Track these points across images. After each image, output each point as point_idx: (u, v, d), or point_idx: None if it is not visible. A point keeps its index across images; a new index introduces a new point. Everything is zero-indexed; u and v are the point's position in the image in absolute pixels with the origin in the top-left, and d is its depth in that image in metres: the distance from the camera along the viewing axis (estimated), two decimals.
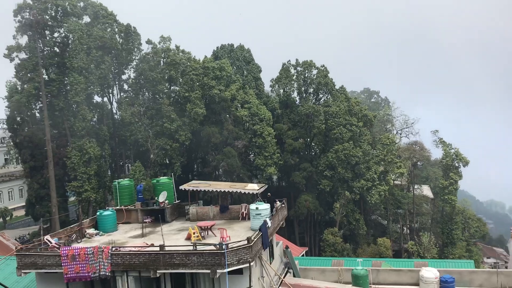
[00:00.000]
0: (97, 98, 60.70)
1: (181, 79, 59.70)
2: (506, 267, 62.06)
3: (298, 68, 68.87)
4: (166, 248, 20.77)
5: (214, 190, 30.89)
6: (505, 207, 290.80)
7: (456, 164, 62.75)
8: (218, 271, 19.92)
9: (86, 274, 21.04)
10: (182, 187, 29.24)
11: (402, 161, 66.66)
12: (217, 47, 72.34)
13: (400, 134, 78.51)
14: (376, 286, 28.30)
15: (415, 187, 71.25)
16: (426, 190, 76.65)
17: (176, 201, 30.59)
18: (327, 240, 57.18)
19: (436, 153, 74.20)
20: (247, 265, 20.41)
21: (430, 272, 28.01)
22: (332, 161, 61.83)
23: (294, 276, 28.46)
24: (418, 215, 70.70)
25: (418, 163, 73.83)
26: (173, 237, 24.77)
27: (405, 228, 70.35)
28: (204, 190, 32.76)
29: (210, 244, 21.11)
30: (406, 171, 66.85)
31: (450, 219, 63.09)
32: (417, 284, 28.65)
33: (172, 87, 62.38)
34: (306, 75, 68.71)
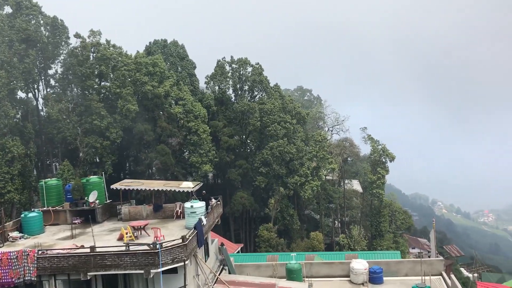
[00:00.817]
0: (21, 94, 57.14)
1: (112, 75, 57.69)
2: (429, 256, 65.86)
3: (233, 66, 69.01)
4: (97, 249, 20.09)
5: (148, 189, 30.27)
6: (428, 199, 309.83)
7: (383, 160, 65.80)
8: (152, 271, 19.58)
9: (9, 280, 19.87)
10: (113, 186, 28.37)
11: (333, 157, 68.98)
12: (150, 42, 70.68)
13: (332, 131, 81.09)
14: (309, 279, 29.03)
15: (346, 182, 74.05)
16: (356, 185, 79.87)
17: (108, 201, 29.62)
18: (262, 236, 57.90)
19: (365, 149, 77.56)
20: (182, 264, 20.24)
21: (360, 264, 29.19)
22: (267, 158, 62.63)
23: (229, 273, 28.55)
24: (348, 209, 73.51)
25: (348, 158, 76.78)
26: (105, 237, 23.99)
27: (336, 222, 72.95)
28: (137, 189, 32.00)
29: (143, 244, 20.67)
30: (337, 167, 69.24)
31: (378, 212, 66.02)
32: (348, 276, 29.76)
33: (102, 83, 60.13)
34: (241, 73, 69.01)
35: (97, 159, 56.43)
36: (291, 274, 28.04)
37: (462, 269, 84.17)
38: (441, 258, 49.78)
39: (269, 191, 64.81)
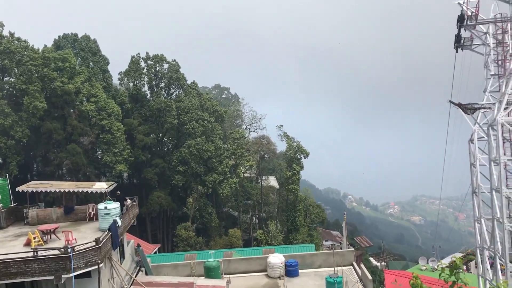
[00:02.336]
0: None
1: (16, 70, 53.92)
2: (341, 248, 69.24)
3: (149, 62, 67.44)
4: (1, 257, 18.75)
5: (57, 190, 28.69)
6: (340, 193, 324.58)
7: (298, 156, 67.98)
8: (63, 276, 18.67)
9: None
10: (19, 188, 26.54)
11: (251, 154, 70.04)
12: (59, 36, 66.91)
13: (249, 129, 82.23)
14: (228, 275, 29.29)
15: (263, 178, 75.44)
16: (273, 181, 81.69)
17: (13, 204, 27.69)
18: (180, 235, 57.35)
19: (281, 146, 79.63)
20: (96, 267, 19.53)
21: (276, 258, 30.00)
22: (185, 156, 62.06)
23: (146, 274, 27.98)
24: (266, 205, 75.01)
25: (266, 156, 78.30)
26: (9, 244, 22.42)
27: (254, 218, 74.11)
28: (46, 191, 30.21)
29: (53, 249, 19.63)
30: (255, 164, 70.41)
31: (294, 207, 68.11)
32: (266, 270, 30.45)
33: (6, 78, 56.03)
34: (157, 69, 67.64)
35: (1, 160, 52.53)
36: (210, 272, 28.11)
37: (371, 259, 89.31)
38: (352, 249, 52.52)
39: (187, 190, 64.29)
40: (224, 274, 29.41)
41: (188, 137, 63.31)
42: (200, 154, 62.33)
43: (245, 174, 74.51)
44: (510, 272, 21.79)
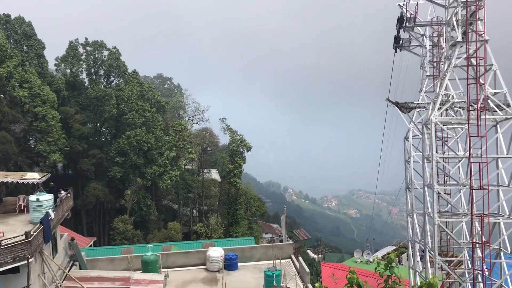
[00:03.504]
0: None
1: None
2: (281, 241, 70.33)
3: (88, 48, 64.75)
4: None
5: None
6: (280, 187, 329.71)
7: (241, 149, 68.03)
8: None
9: None
10: None
11: (193, 146, 69.26)
12: None
13: (192, 120, 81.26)
14: (166, 269, 28.83)
15: (205, 171, 74.92)
16: (215, 174, 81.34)
17: None
18: (117, 228, 55.80)
19: (224, 139, 79.38)
20: (25, 262, 18.49)
21: (216, 252, 29.85)
22: (124, 147, 60.31)
23: (80, 268, 26.93)
24: (207, 198, 74.59)
25: (208, 148, 77.77)
26: None
27: (194, 211, 73.47)
28: None
29: None
30: (197, 156, 69.72)
31: (235, 200, 68.17)
32: (205, 264, 30.24)
33: None
34: (96, 56, 65.09)
35: None
36: (147, 266, 27.51)
37: (309, 251, 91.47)
38: (291, 242, 53.42)
39: (125, 182, 62.58)
40: (162, 268, 28.91)
41: (128, 128, 61.54)
42: (140, 145, 60.82)
43: (187, 167, 73.66)
44: (439, 264, 22.96)
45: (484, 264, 22.18)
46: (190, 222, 70.24)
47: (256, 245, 38.07)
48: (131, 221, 58.53)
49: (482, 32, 22.09)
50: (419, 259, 28.66)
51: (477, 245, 22.36)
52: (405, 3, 28.91)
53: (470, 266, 23.22)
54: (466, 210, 24.61)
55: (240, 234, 64.69)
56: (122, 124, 62.50)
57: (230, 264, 29.83)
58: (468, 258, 25.85)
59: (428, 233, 25.28)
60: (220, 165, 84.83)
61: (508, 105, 22.01)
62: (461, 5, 22.53)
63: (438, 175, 26.14)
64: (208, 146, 76.94)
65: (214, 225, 63.05)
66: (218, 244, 38.28)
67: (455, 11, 23.04)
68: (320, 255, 78.86)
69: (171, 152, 65.71)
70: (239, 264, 30.39)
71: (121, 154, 61.00)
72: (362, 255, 49.13)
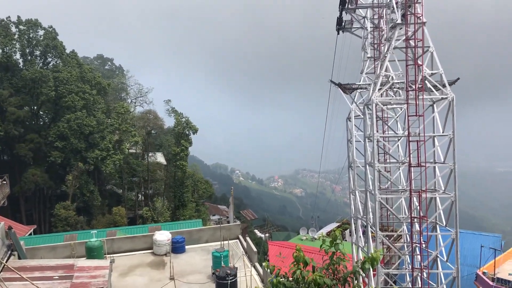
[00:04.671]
0: None
1: None
2: (228, 222, 70.72)
3: (21, 27, 61.05)
4: None
5: None
6: (228, 169, 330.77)
7: (187, 132, 67.24)
8: None
9: None
10: None
11: (137, 129, 67.67)
12: None
13: (135, 103, 79.27)
14: (111, 255, 28.23)
15: (150, 154, 73.60)
16: (160, 157, 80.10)
17: None
18: (59, 215, 53.92)
19: (169, 122, 78.12)
20: None
21: (162, 235, 29.53)
22: (63, 131, 57.91)
23: (19, 258, 25.81)
24: (152, 182, 73.46)
25: (152, 131, 76.34)
26: None
27: (140, 195, 72.22)
28: None
29: None
30: (141, 140, 68.23)
31: (181, 183, 67.58)
32: (152, 248, 29.88)
33: None
34: (31, 35, 61.55)
35: None
36: (91, 252, 26.80)
37: (256, 231, 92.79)
38: (238, 222, 53.88)
39: (66, 167, 60.31)
40: (108, 254, 28.28)
41: (67, 111, 59.05)
42: (80, 129, 58.62)
43: (131, 150, 71.96)
44: (380, 239, 23.96)
45: (421, 237, 23.39)
46: (136, 207, 69.03)
47: (204, 227, 38.05)
48: (74, 207, 56.69)
49: (420, 15, 22.83)
50: (361, 235, 29.79)
51: (415, 220, 23.50)
52: None
53: (408, 239, 24.41)
54: (405, 187, 25.75)
55: (188, 217, 64.44)
56: (61, 107, 59.87)
57: (177, 247, 29.65)
58: (407, 232, 27.17)
59: (370, 210, 26.27)
60: (165, 148, 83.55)
61: (444, 86, 23.03)
62: None
63: (378, 153, 27.12)
64: (153, 129, 75.48)
65: (161, 209, 62.37)
66: (165, 228, 37.97)
67: None
68: (267, 234, 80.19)
69: (114, 135, 63.85)
70: (186, 246, 30.27)
71: (61, 138, 58.55)
72: (308, 233, 50.43)
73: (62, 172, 61.13)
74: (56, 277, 20.80)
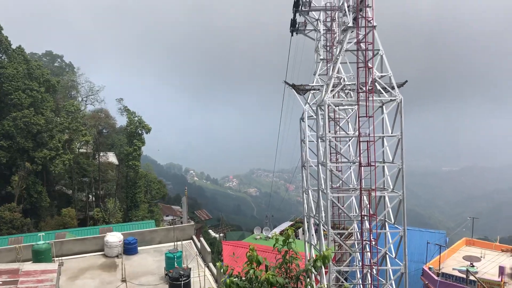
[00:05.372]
0: None
1: None
2: (182, 222, 70.08)
3: None
4: None
5: None
6: (182, 169, 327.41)
7: (140, 131, 66.01)
8: None
9: None
10: None
11: (88, 129, 65.78)
12: None
13: (86, 101, 76.97)
14: (60, 258, 27.37)
15: (101, 154, 71.72)
16: (112, 157, 78.21)
17: None
18: (4, 217, 51.53)
19: (121, 121, 76.39)
20: None
21: (114, 237, 28.95)
22: (9, 130, 55.40)
23: None
24: (104, 182, 71.63)
25: (104, 130, 74.44)
26: None
27: (90, 196, 70.26)
28: None
29: None
30: (92, 139, 66.36)
31: (134, 183, 66.26)
32: (103, 250, 29.22)
33: None
34: None
35: None
36: (39, 256, 25.88)
37: (211, 231, 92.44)
38: (192, 223, 53.51)
39: (12, 167, 57.75)
40: (56, 257, 27.41)
41: (13, 109, 56.53)
42: (28, 127, 56.28)
43: (81, 150, 69.84)
44: (331, 237, 24.50)
45: (371, 235, 24.11)
46: (86, 208, 67.05)
47: (157, 228, 37.60)
48: (20, 209, 54.35)
49: (371, 18, 23.53)
50: (314, 233, 30.36)
51: (366, 218, 24.20)
52: None
53: (359, 237, 25.09)
54: (356, 185, 26.45)
55: (140, 217, 63.31)
56: (7, 104, 57.24)
57: (129, 248, 29.16)
58: (357, 230, 27.92)
59: (322, 208, 26.83)
60: (117, 147, 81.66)
61: (393, 88, 23.84)
62: None
63: (330, 153, 27.75)
64: (104, 128, 73.59)
65: (112, 210, 60.96)
66: (117, 229, 37.19)
67: None
68: (221, 234, 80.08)
69: (64, 134, 61.71)
70: (139, 248, 29.83)
71: (6, 137, 55.98)
72: (262, 232, 50.78)
73: (8, 173, 58.46)
74: (0, 283, 20.00)
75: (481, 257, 37.34)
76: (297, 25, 33.57)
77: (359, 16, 23.66)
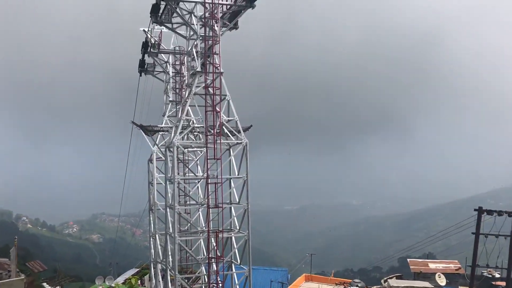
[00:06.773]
0: None
1: None
2: (10, 277, 61.63)
3: None
4: None
5: None
6: (12, 215, 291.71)
7: None
8: None
9: None
10: None
11: None
12: None
13: None
14: None
15: None
16: None
17: None
18: None
19: None
20: None
21: None
22: None
23: None
24: None
25: None
26: None
27: None
28: None
29: None
30: None
31: None
32: None
33: None
34: None
35: None
36: None
37: (45, 284, 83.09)
38: (23, 276, 47.56)
39: None
40: None
41: None
42: None
43: None
44: (179, 282, 23.87)
45: (218, 277, 24.13)
46: None
47: None
48: None
49: (218, 65, 24.43)
50: (160, 279, 29.29)
51: (213, 260, 24.21)
52: (149, 29, 29.78)
53: (206, 280, 24.92)
54: (204, 227, 26.47)
55: None
56: None
57: None
58: (205, 272, 27.76)
59: (170, 253, 26.13)
60: None
61: (239, 131, 24.82)
62: (200, 38, 24.44)
63: (179, 195, 27.48)
64: None
65: None
66: None
67: (195, 43, 24.88)
68: (58, 287, 72.51)
69: None
70: None
71: None
72: (104, 281, 47.30)
73: None
74: None
75: None
76: (145, 66, 33.35)
77: (207, 62, 24.40)
